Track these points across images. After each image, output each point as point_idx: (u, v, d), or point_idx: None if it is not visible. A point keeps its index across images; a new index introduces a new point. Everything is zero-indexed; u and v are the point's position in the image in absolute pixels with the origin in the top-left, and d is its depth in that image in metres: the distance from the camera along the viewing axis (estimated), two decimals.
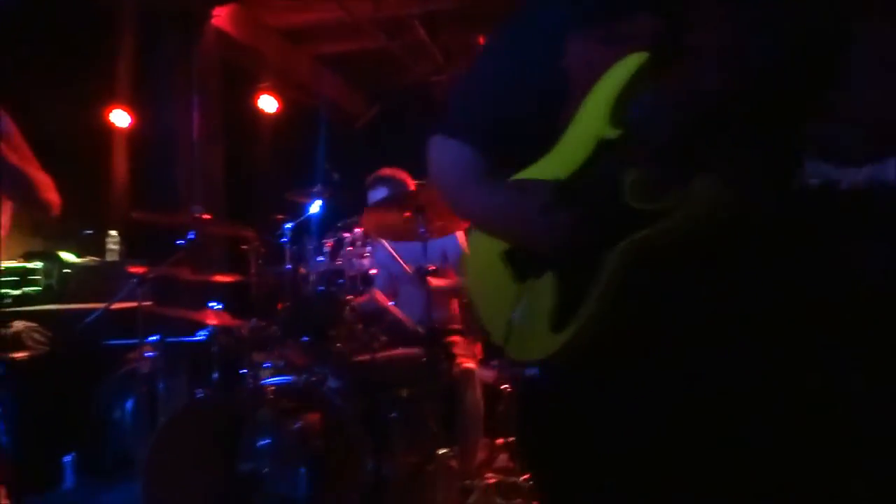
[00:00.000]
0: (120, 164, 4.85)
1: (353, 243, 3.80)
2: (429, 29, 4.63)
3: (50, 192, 1.97)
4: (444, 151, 1.14)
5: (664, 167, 0.89)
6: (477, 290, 1.14)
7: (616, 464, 0.98)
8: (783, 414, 0.89)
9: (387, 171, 3.43)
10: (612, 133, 0.94)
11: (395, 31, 4.70)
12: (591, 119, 0.96)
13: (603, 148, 0.95)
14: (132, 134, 4.65)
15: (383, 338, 2.77)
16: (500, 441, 3.26)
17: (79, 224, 4.14)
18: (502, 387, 3.13)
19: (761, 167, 0.92)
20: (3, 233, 1.96)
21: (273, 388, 2.54)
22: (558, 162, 1.00)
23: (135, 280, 2.73)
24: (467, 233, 1.18)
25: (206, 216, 2.83)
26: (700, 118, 0.87)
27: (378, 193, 3.36)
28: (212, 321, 2.75)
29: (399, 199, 2.85)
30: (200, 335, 2.90)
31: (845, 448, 0.88)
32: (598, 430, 1.00)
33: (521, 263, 1.04)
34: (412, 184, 3.32)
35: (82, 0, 4.12)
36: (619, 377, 0.97)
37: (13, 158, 1.85)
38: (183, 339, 3.04)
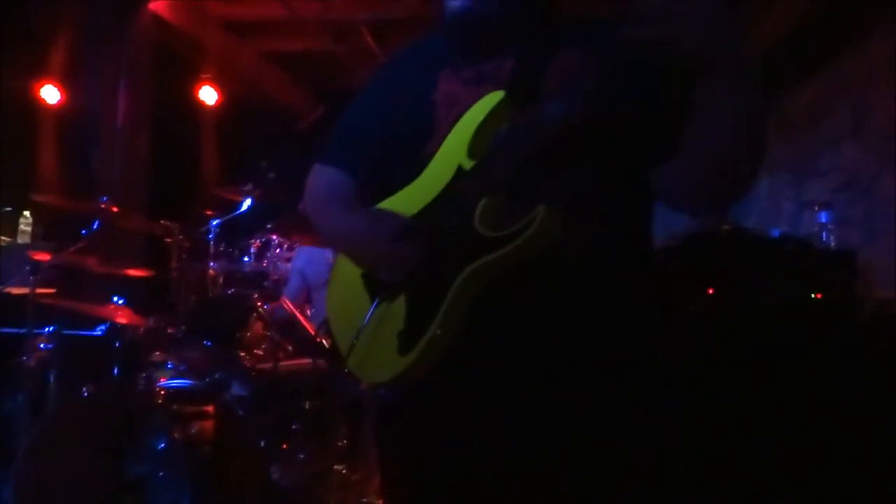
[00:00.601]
0: (48, 142, 4.64)
1: (281, 245, 3.71)
2: (376, 35, 4.59)
3: None
4: (318, 176, 1.20)
5: (511, 196, 0.93)
6: (335, 308, 1.14)
7: (458, 480, 0.99)
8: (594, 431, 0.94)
9: None
10: (469, 163, 0.98)
11: (343, 34, 4.64)
12: (453, 150, 1.00)
13: (459, 177, 0.98)
14: (61, 111, 4.47)
15: (289, 347, 2.70)
16: None
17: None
18: None
19: (597, 201, 0.96)
20: None
21: (165, 390, 2.44)
22: (421, 190, 1.04)
23: (27, 267, 2.59)
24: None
25: (114, 207, 2.70)
26: (545, 151, 0.91)
27: None
28: (112, 316, 2.63)
29: None
30: (99, 330, 2.78)
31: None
32: (437, 448, 1.02)
33: (378, 287, 1.04)
34: None
35: None
36: (461, 398, 0.99)
37: None
38: (81, 332, 2.89)
